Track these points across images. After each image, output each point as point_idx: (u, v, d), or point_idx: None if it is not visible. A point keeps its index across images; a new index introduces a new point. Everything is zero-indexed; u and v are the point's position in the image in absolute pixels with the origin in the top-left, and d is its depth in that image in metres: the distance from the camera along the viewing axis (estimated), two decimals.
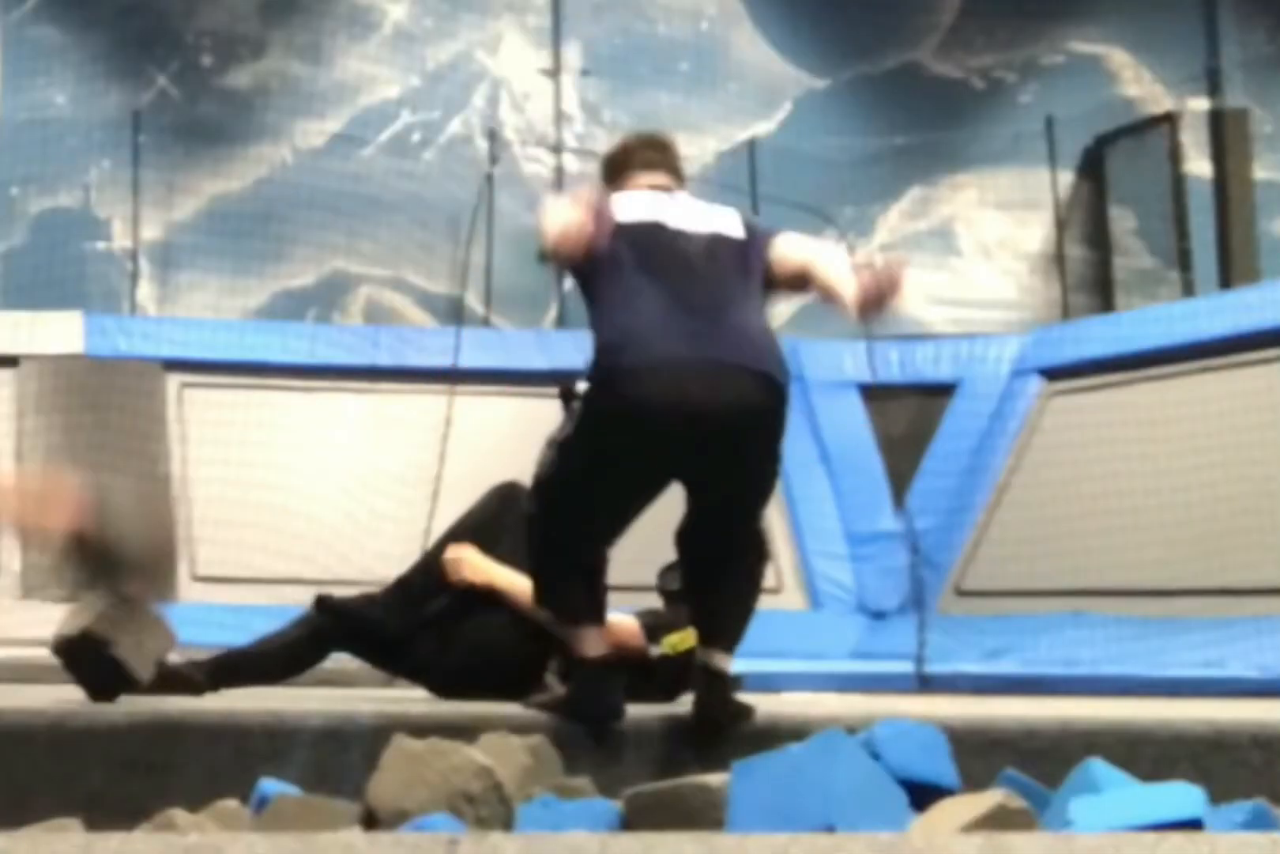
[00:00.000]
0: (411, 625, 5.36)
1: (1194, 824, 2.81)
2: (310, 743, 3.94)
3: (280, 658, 5.30)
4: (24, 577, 10.01)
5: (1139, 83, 13.71)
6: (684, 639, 5.11)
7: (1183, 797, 2.92)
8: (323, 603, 5.36)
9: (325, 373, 11.11)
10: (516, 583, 5.24)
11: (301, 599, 5.59)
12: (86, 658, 4.44)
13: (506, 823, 3.00)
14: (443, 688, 5.31)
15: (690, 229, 4.56)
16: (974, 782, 3.46)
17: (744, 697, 4.50)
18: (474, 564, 5.34)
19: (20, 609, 9.71)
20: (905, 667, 8.55)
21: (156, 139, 12.46)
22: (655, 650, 5.24)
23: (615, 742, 4.21)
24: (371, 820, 3.04)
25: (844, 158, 13.26)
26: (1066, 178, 13.47)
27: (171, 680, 4.90)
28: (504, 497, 5.49)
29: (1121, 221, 13.30)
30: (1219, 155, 12.89)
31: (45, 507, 4.30)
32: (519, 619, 5.26)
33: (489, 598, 5.33)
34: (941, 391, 11.56)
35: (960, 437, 11.25)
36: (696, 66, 13.44)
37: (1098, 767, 3.22)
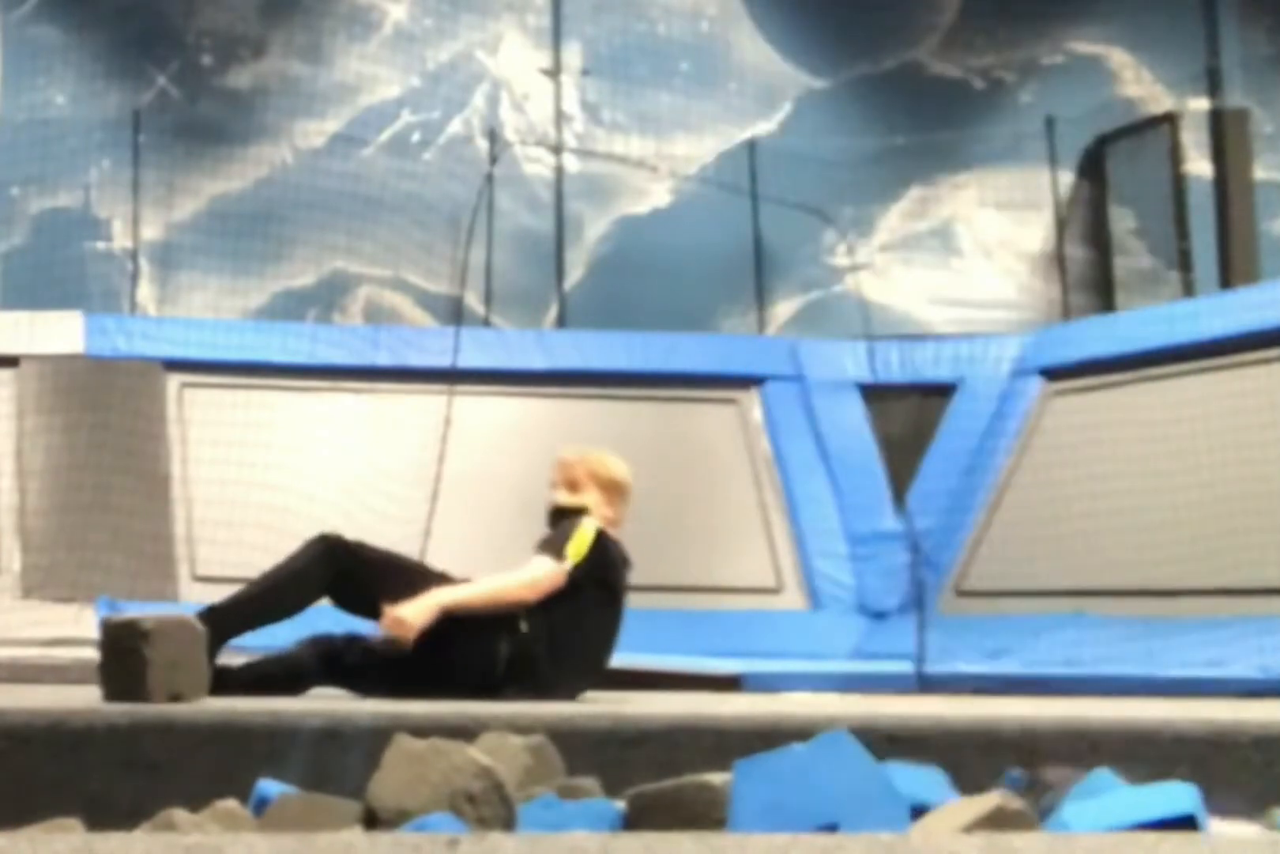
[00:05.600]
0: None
1: (1188, 821, 2.81)
2: (310, 743, 3.94)
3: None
4: (24, 577, 10.01)
5: (1139, 83, 13.71)
6: (581, 540, 5.53)
7: (1177, 794, 2.92)
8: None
9: (325, 373, 11.11)
10: (457, 594, 5.44)
11: None
12: (119, 646, 4.48)
13: (508, 823, 3.00)
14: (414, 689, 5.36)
15: None
16: (974, 782, 3.45)
17: (740, 698, 4.50)
18: (413, 617, 5.38)
19: (20, 609, 9.71)
20: (905, 667, 8.54)
21: (156, 139, 12.46)
22: (568, 564, 5.53)
23: (617, 742, 4.21)
24: (372, 820, 3.03)
25: (844, 158, 13.26)
26: (1066, 178, 13.47)
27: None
28: (328, 550, 5.56)
29: (1121, 221, 13.30)
30: (1219, 155, 12.88)
31: None
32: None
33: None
34: (941, 391, 11.56)
35: (960, 436, 11.25)
36: (696, 66, 13.44)
37: (1104, 777, 3.22)
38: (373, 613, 5.54)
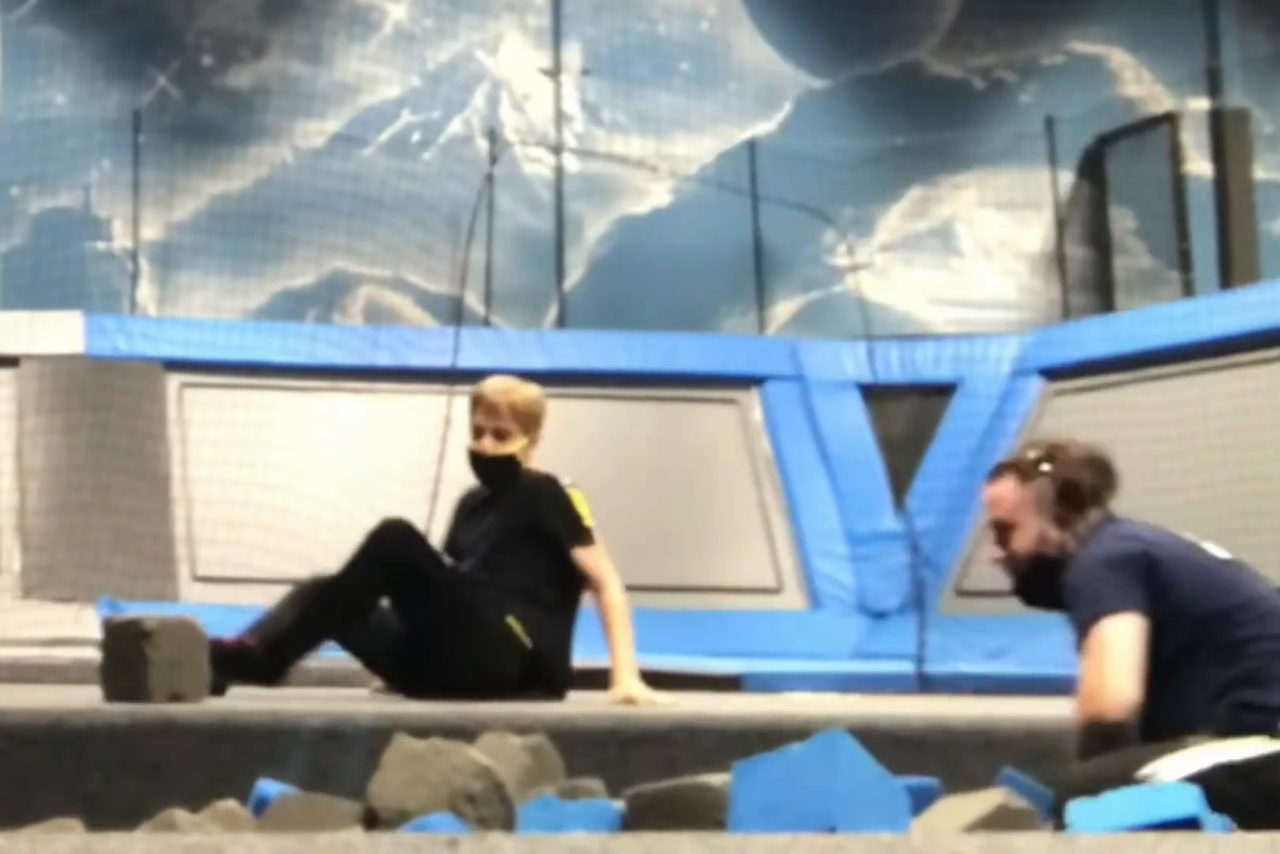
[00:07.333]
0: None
1: (1191, 823, 2.81)
2: (310, 743, 3.94)
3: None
4: (24, 576, 10.01)
5: (1139, 83, 13.71)
6: (580, 505, 5.52)
7: (1180, 796, 2.92)
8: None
9: (325, 373, 11.12)
10: (627, 652, 5.34)
11: None
12: (121, 646, 4.50)
13: (507, 823, 3.00)
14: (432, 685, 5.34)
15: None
16: (974, 782, 3.46)
17: (740, 698, 4.51)
18: (649, 694, 5.29)
19: (20, 609, 9.72)
20: (905, 667, 8.55)
21: (156, 139, 12.46)
22: (594, 532, 5.50)
23: (617, 742, 4.21)
24: (372, 820, 3.04)
25: (844, 158, 13.26)
26: (1066, 178, 13.47)
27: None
28: (396, 532, 5.46)
29: (1121, 221, 13.30)
30: (1219, 155, 12.88)
31: None
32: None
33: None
34: (941, 391, 11.56)
35: (960, 436, 11.25)
36: (696, 66, 13.44)
37: None
38: (410, 609, 5.45)
